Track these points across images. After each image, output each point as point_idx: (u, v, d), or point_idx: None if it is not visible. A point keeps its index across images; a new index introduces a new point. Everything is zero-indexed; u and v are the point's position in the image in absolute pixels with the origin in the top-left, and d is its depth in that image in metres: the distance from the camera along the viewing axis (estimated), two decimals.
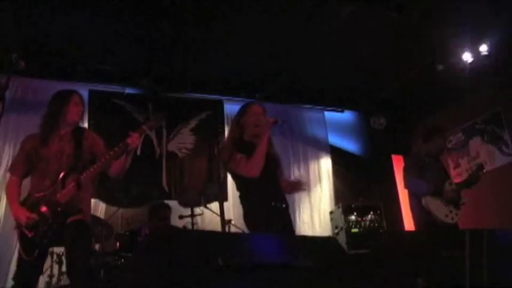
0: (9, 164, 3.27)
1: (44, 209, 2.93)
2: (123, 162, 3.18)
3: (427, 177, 4.26)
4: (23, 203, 3.01)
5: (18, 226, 2.95)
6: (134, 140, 3.08)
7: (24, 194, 3.12)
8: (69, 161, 3.09)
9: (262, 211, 3.07)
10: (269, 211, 3.09)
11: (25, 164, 3.15)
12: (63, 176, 3.01)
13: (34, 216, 2.90)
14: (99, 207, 5.45)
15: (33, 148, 3.13)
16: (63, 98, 3.23)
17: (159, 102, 6.31)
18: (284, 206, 3.25)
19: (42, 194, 2.99)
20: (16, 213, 2.98)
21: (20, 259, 2.93)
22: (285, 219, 3.26)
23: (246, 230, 3.23)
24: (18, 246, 2.95)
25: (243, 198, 3.22)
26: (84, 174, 3.03)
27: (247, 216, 3.14)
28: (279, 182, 3.33)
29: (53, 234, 2.93)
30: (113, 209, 5.06)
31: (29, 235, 2.89)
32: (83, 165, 3.08)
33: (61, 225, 2.95)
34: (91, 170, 3.04)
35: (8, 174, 3.27)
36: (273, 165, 3.26)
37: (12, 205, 3.04)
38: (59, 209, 2.94)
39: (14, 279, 2.92)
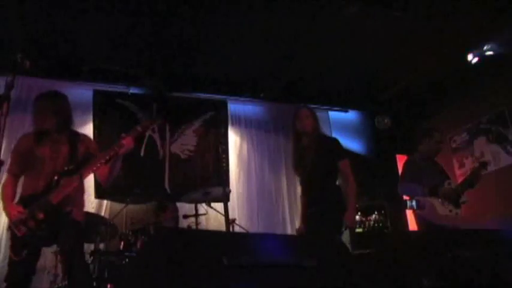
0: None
1: (35, 208, 2.92)
2: (110, 167, 3.19)
3: (424, 180, 4.26)
4: (18, 202, 3.02)
5: (10, 225, 2.96)
6: (128, 142, 3.09)
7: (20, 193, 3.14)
8: (64, 163, 3.11)
9: None
10: None
11: (20, 164, 3.17)
12: (57, 177, 3.02)
13: (25, 213, 2.90)
14: (103, 207, 5.46)
15: (28, 148, 3.14)
16: (33, 107, 3.27)
17: (163, 102, 6.31)
18: None
19: (35, 193, 2.99)
20: (8, 210, 2.99)
21: (10, 259, 2.92)
22: None
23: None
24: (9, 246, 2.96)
25: None
26: (78, 175, 3.04)
27: None
28: None
29: (43, 234, 2.93)
30: (118, 208, 5.07)
31: (19, 234, 2.88)
32: (77, 167, 3.09)
33: (52, 226, 2.95)
34: (84, 170, 3.06)
35: (5, 174, 3.26)
36: None
37: (5, 203, 3.05)
38: (50, 209, 2.93)
39: (5, 280, 2.89)
